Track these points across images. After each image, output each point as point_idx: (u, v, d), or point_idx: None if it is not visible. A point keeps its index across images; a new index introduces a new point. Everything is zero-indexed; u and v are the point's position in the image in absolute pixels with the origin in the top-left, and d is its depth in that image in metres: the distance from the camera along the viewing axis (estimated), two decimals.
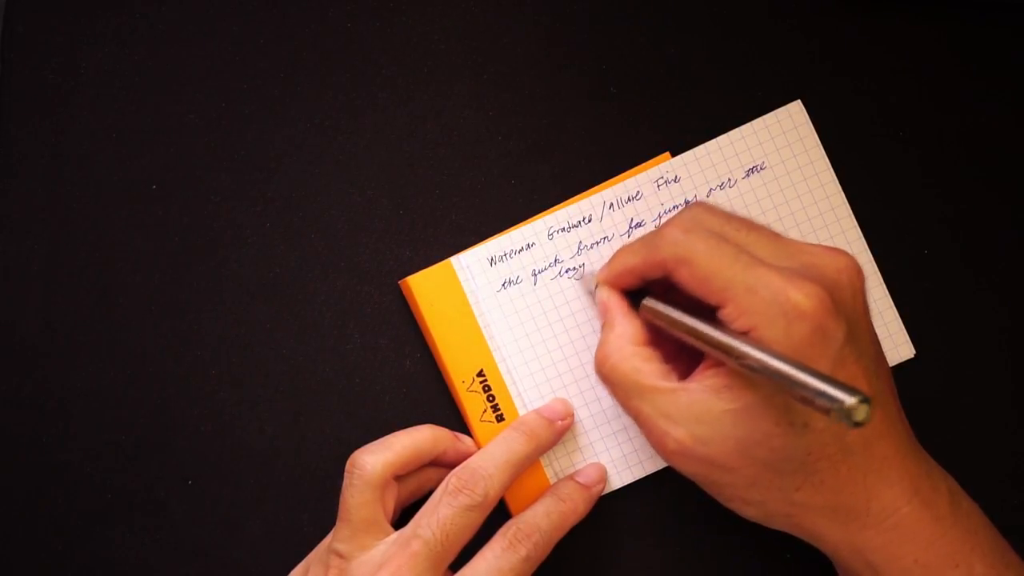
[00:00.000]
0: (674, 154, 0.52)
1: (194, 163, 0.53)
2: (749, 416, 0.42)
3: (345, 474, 0.48)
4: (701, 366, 0.44)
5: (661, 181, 0.52)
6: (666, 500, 0.52)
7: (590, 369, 0.52)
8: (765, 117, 0.52)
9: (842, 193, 0.52)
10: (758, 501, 0.44)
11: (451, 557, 0.46)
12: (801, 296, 0.40)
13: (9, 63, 0.53)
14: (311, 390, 0.53)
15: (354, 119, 0.54)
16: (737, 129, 0.52)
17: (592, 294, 0.50)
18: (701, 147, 0.52)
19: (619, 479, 0.52)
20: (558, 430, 0.50)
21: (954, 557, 0.43)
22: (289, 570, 0.51)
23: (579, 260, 0.52)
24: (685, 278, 0.43)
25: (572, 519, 0.49)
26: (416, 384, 0.53)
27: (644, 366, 0.45)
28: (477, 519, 0.47)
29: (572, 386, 0.52)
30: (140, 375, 0.53)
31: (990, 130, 0.53)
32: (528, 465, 0.50)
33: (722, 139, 0.52)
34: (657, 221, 0.52)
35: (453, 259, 0.52)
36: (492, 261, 0.52)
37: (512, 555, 0.46)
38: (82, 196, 0.53)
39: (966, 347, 0.53)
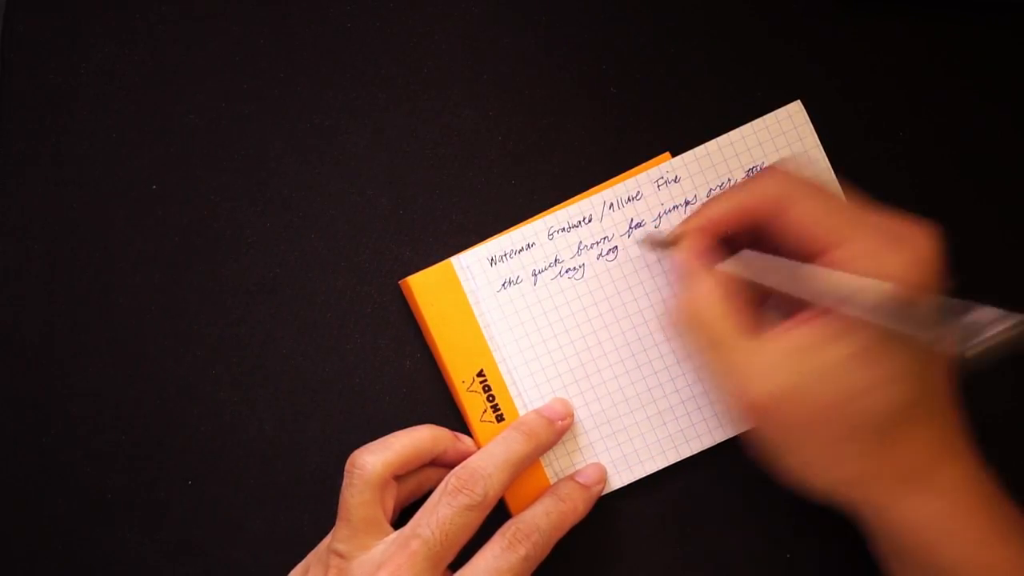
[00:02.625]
0: (674, 154, 0.52)
1: (194, 163, 0.53)
2: (842, 371, 0.42)
3: (345, 474, 0.48)
4: (791, 321, 0.43)
5: (661, 181, 0.52)
6: (666, 500, 0.52)
7: (590, 369, 0.52)
8: (765, 117, 0.52)
9: (842, 193, 0.52)
10: (828, 466, 0.43)
11: (450, 557, 0.46)
12: (925, 236, 0.41)
13: (9, 63, 0.54)
14: (311, 390, 0.53)
15: (354, 119, 0.54)
16: (737, 129, 0.52)
17: (655, 248, 0.50)
18: (701, 147, 0.52)
19: (619, 479, 0.52)
20: (558, 430, 0.50)
21: (1006, 535, 0.43)
22: (289, 570, 0.51)
23: (579, 260, 0.52)
24: (792, 219, 0.43)
25: (572, 519, 0.49)
26: (416, 384, 0.53)
27: (730, 319, 0.44)
28: (476, 519, 0.47)
29: (572, 386, 0.52)
30: (140, 375, 0.53)
31: (989, 131, 0.53)
32: (528, 465, 0.50)
33: (722, 139, 0.52)
34: (657, 221, 0.52)
35: (453, 259, 0.52)
36: (492, 261, 0.52)
37: (511, 555, 0.46)
38: (82, 196, 0.53)
39: None
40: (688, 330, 0.46)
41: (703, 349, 0.46)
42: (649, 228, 0.52)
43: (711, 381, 0.51)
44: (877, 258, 0.41)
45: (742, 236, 0.47)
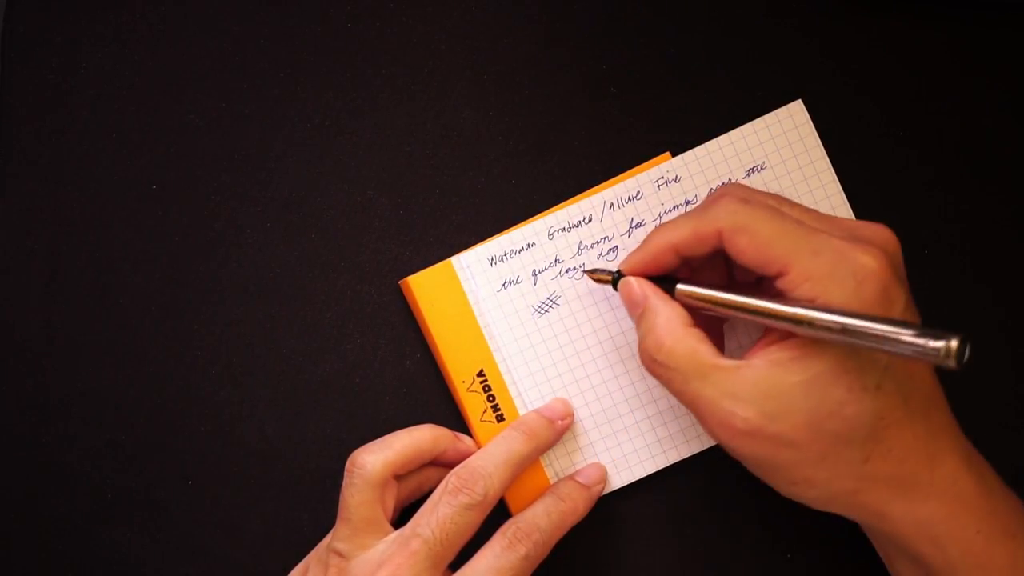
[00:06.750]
0: (674, 154, 0.52)
1: (194, 163, 0.53)
2: (821, 385, 0.41)
3: (345, 473, 0.48)
4: (761, 342, 0.44)
5: (661, 181, 0.52)
6: (665, 500, 0.52)
7: (590, 369, 0.52)
8: (765, 117, 0.52)
9: (842, 193, 0.52)
10: (824, 479, 0.43)
11: (451, 556, 0.46)
12: (868, 258, 0.41)
13: (9, 63, 0.54)
14: (311, 390, 0.53)
15: (354, 119, 0.54)
16: (737, 129, 0.52)
17: (601, 282, 0.49)
18: (701, 147, 0.52)
19: (619, 479, 0.52)
20: (558, 430, 0.50)
21: (1009, 527, 0.43)
22: (289, 570, 0.51)
23: (579, 260, 0.52)
24: (743, 246, 0.43)
25: (572, 519, 0.49)
26: (416, 384, 0.53)
27: (701, 346, 0.44)
28: (476, 518, 0.47)
29: (572, 386, 0.52)
30: (140, 375, 0.53)
31: (990, 130, 0.53)
32: (528, 465, 0.50)
33: (722, 139, 0.52)
34: (657, 221, 0.52)
35: (453, 259, 0.52)
36: (492, 261, 0.52)
37: (512, 554, 0.46)
38: (82, 196, 0.53)
39: None
40: (656, 366, 0.45)
41: (676, 383, 0.44)
42: (649, 228, 0.52)
43: (689, 413, 0.50)
44: (825, 280, 0.41)
45: (686, 267, 0.47)
